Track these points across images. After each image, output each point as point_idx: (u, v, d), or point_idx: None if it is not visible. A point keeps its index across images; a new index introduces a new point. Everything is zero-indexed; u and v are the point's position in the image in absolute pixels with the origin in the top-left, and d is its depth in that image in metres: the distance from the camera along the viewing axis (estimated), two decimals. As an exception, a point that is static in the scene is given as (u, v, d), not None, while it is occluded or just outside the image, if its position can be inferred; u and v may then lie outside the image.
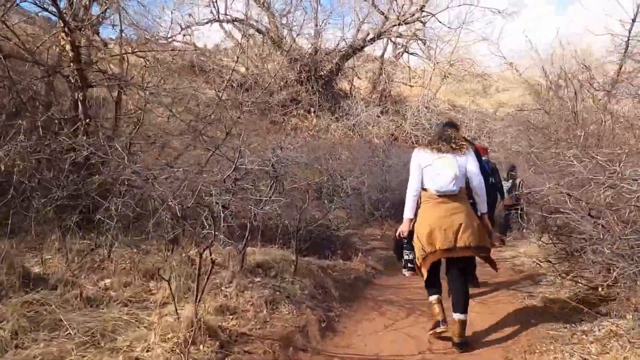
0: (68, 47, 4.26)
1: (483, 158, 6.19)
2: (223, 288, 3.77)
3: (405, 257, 3.44)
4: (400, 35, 17.97)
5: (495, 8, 16.56)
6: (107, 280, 3.78)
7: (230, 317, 3.34)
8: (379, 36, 17.22)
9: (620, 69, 5.78)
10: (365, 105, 14.86)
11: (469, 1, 16.33)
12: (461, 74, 20.14)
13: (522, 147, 6.72)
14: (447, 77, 18.69)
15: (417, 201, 3.37)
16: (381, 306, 4.22)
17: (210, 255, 2.99)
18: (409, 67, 19.34)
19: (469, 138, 5.08)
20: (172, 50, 6.99)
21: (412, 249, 3.37)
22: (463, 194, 3.29)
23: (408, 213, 3.37)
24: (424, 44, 17.90)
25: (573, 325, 3.37)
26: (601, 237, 2.70)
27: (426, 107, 15.52)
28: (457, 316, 3.17)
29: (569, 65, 7.07)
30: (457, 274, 3.26)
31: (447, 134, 3.43)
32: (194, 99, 7.61)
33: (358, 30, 17.21)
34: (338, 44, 17.48)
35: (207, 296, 3.47)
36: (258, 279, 4.01)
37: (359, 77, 18.57)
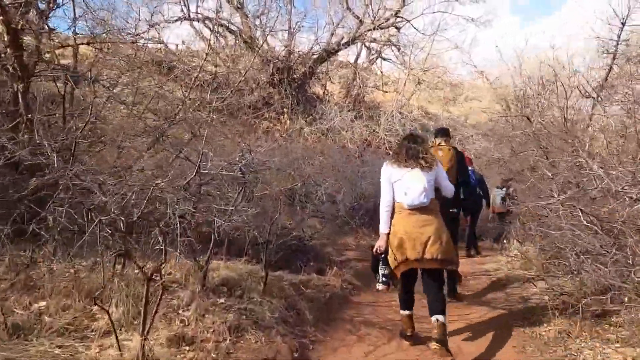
0: (2, 28, 3.67)
1: (470, 168, 6.18)
2: (180, 311, 3.26)
3: (381, 271, 3.39)
4: (374, 41, 17.78)
5: (469, 16, 16.51)
6: (42, 303, 3.21)
7: (187, 348, 2.84)
8: (353, 40, 16.96)
9: (609, 74, 5.63)
10: (339, 110, 14.49)
11: (443, 8, 16.30)
12: (434, 82, 20.17)
13: (503, 154, 6.46)
14: (421, 83, 18.60)
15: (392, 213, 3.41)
16: (360, 329, 3.79)
17: (161, 278, 2.49)
18: (381, 72, 19.18)
19: (455, 145, 4.78)
20: (132, 43, 6.40)
21: (387, 263, 3.37)
22: (434, 205, 3.33)
23: (383, 228, 3.41)
24: (398, 50, 17.78)
25: (573, 353, 3.04)
26: (630, 262, 2.36)
27: (400, 113, 15.30)
28: (436, 317, 3.13)
29: (545, 72, 6.91)
30: (430, 281, 3.28)
31: (414, 150, 3.37)
32: (160, 97, 7.02)
33: (332, 34, 16.91)
34: (312, 47, 17.13)
35: (159, 323, 2.96)
36: (221, 300, 3.50)
37: (332, 82, 18.24)
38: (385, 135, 14.68)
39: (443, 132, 4.79)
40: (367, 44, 18.07)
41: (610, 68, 5.58)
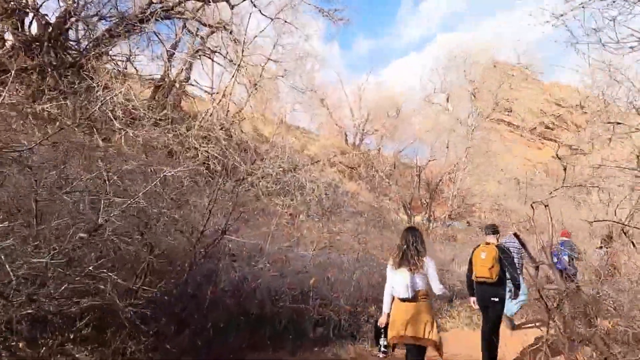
0: None
1: (565, 239, 7.08)
2: None
3: (382, 342, 4.36)
4: (200, 22, 13.06)
5: (325, 8, 13.00)
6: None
7: None
8: (167, 12, 12.01)
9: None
10: (120, 90, 9.03)
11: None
12: (271, 92, 16.20)
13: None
14: (256, 90, 14.37)
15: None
16: None
17: None
18: (208, 73, 14.56)
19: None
20: None
21: (387, 336, 4.34)
22: (419, 296, 4.28)
23: (385, 309, 4.46)
24: (232, 40, 13.31)
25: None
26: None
27: (225, 116, 10.62)
28: None
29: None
30: (411, 352, 4.31)
31: (405, 255, 4.32)
32: None
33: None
34: (101, 10, 11.61)
35: None
36: None
37: (134, 67, 12.65)
38: (200, 145, 9.80)
39: (491, 230, 5.49)
40: (190, 25, 13.24)
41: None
